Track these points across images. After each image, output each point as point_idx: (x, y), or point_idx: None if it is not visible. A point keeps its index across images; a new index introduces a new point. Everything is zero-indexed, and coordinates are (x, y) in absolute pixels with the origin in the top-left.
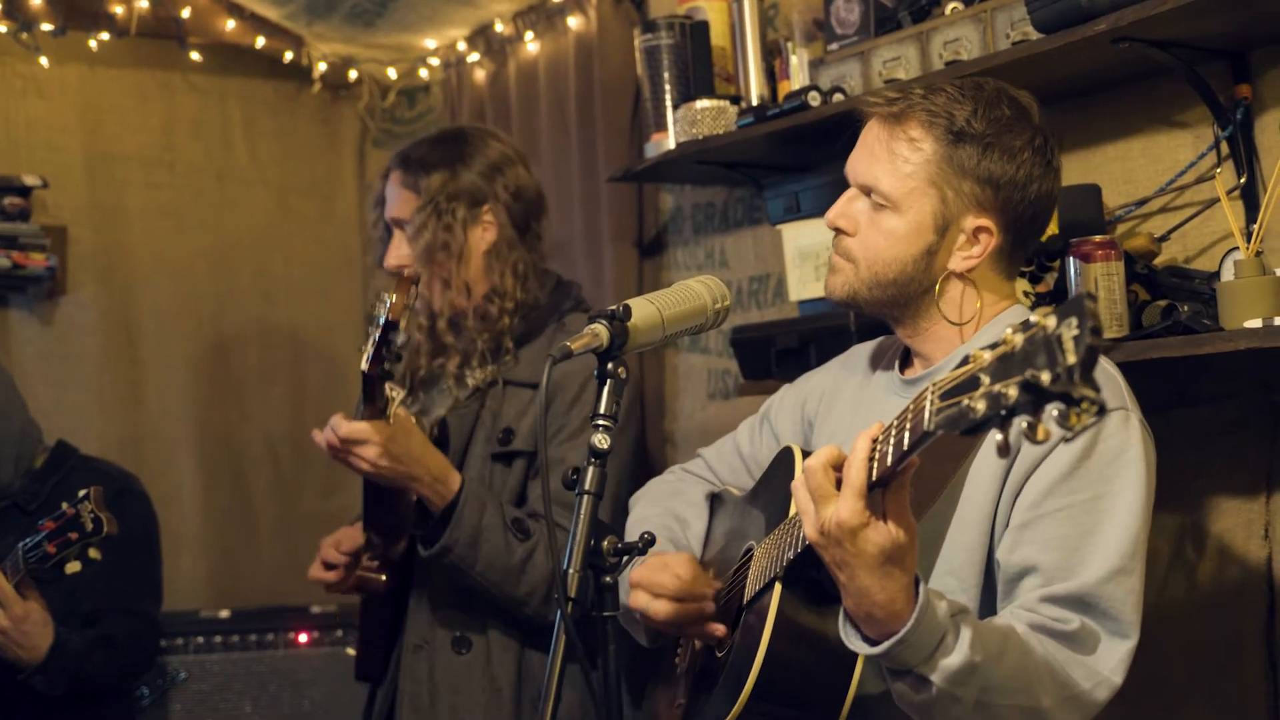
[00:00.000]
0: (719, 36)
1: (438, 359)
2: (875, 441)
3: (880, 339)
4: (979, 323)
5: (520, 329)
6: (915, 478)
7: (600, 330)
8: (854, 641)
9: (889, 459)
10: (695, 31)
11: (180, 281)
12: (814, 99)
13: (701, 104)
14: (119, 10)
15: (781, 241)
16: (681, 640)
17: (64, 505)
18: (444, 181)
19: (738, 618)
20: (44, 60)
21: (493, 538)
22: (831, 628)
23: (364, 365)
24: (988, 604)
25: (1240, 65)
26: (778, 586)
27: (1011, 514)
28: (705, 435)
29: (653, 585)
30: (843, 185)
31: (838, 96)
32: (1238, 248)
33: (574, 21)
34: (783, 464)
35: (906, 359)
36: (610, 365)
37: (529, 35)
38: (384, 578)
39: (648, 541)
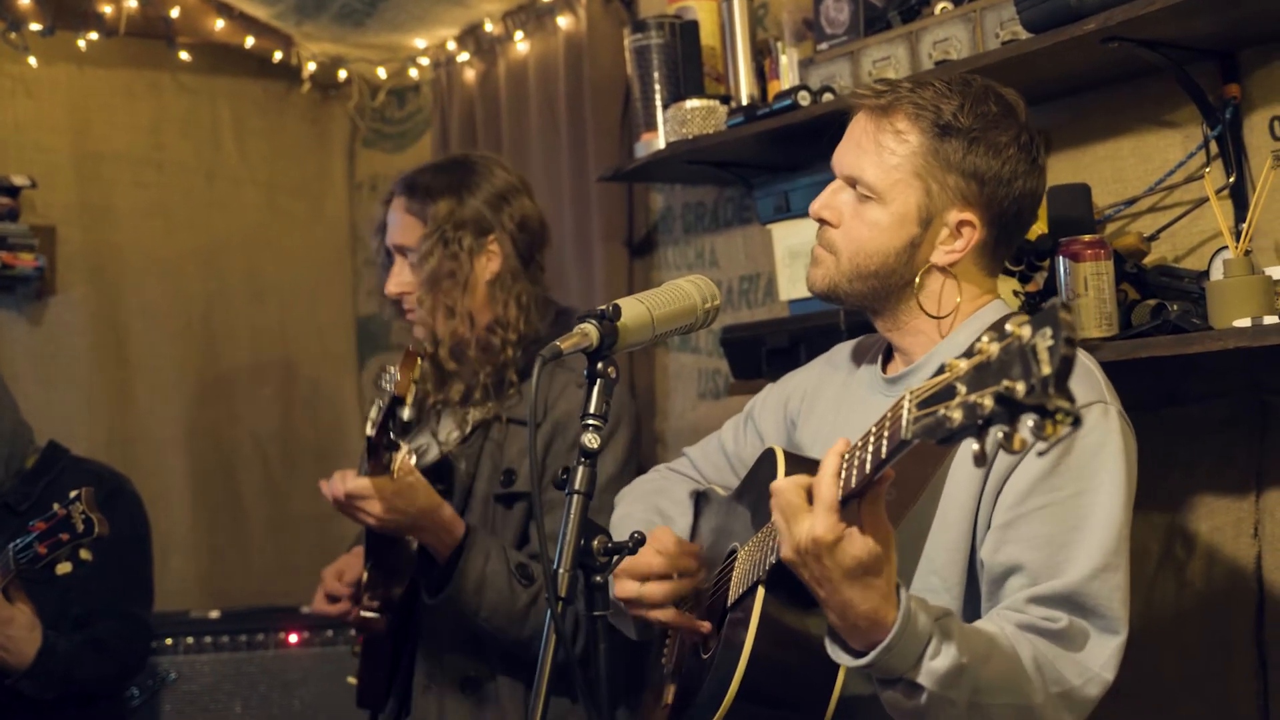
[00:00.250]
0: (709, 36)
1: (441, 389)
2: (843, 458)
3: (862, 337)
4: (958, 317)
5: (521, 362)
6: (898, 479)
7: (590, 330)
8: (840, 655)
9: (868, 466)
10: (685, 31)
11: (169, 281)
12: (804, 98)
13: (691, 103)
14: (108, 10)
15: (771, 241)
16: (667, 640)
17: (55, 506)
18: (450, 209)
19: (722, 619)
20: (32, 60)
21: (497, 584)
22: (815, 630)
23: (369, 431)
24: (971, 603)
25: (1229, 65)
26: (761, 590)
27: (993, 512)
28: (696, 435)
29: (636, 567)
30: None
31: (827, 96)
32: (1227, 247)
33: (564, 21)
34: (765, 465)
35: (889, 356)
36: (600, 365)
37: (519, 35)
38: (384, 619)
39: (638, 541)
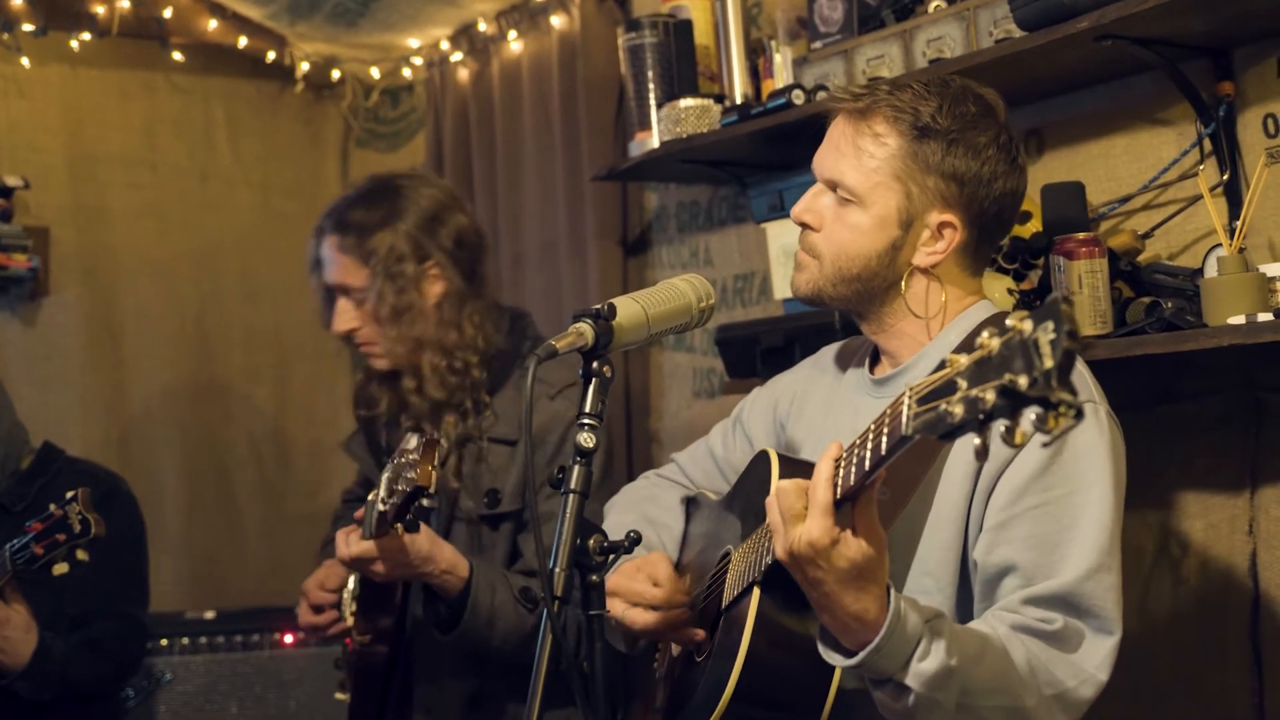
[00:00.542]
0: (703, 35)
1: (407, 418)
2: (837, 461)
3: (848, 339)
4: (944, 319)
5: (485, 383)
6: (890, 478)
7: (585, 329)
8: (832, 656)
9: (866, 463)
10: (679, 30)
11: (163, 282)
12: (798, 97)
13: (685, 102)
14: (100, 10)
15: (766, 240)
16: (660, 645)
17: (52, 507)
18: (388, 243)
19: (716, 622)
20: (25, 61)
21: (506, 614)
22: (810, 630)
23: (383, 508)
24: (964, 604)
25: (1222, 63)
26: (756, 591)
27: (986, 513)
28: (690, 434)
29: (629, 593)
30: None
31: (821, 95)
32: (1221, 244)
33: (557, 20)
34: (759, 467)
35: (875, 358)
36: (595, 364)
37: (512, 34)
38: (384, 650)
39: (634, 540)
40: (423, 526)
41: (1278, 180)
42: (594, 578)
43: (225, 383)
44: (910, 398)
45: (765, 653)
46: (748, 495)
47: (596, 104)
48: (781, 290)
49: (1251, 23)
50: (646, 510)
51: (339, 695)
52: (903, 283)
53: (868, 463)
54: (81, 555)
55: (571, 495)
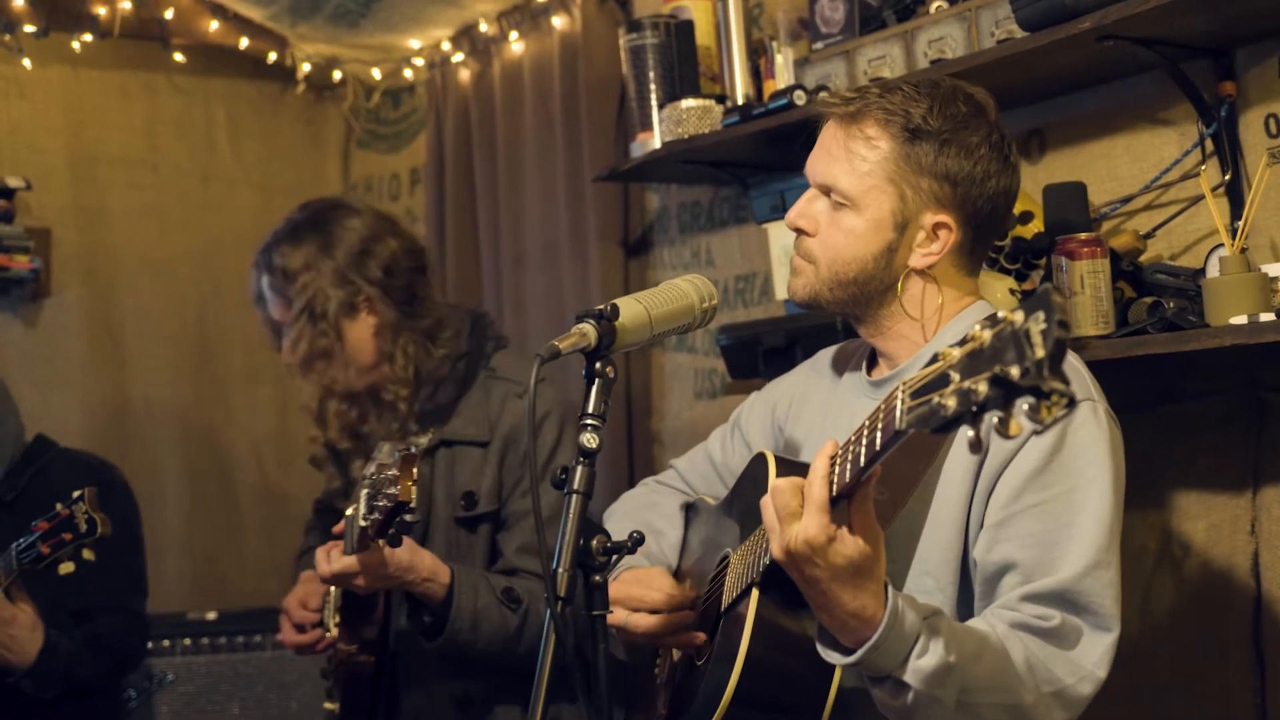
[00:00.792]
0: (704, 36)
1: (357, 441)
2: (833, 459)
3: (845, 342)
4: (941, 320)
5: (450, 389)
6: (888, 477)
7: (588, 330)
8: (831, 655)
9: (861, 459)
10: (680, 31)
11: (164, 283)
12: (799, 98)
13: (687, 103)
14: (102, 12)
15: (767, 240)
16: (660, 651)
17: (58, 506)
18: (312, 283)
19: (716, 625)
20: (27, 62)
21: (491, 616)
22: (809, 630)
23: (364, 524)
24: (964, 602)
25: (1224, 63)
26: (755, 592)
27: (986, 512)
28: (692, 434)
29: (629, 600)
30: None
31: (821, 96)
32: (1223, 244)
33: (559, 21)
34: (757, 468)
35: (873, 360)
36: (598, 365)
37: (514, 35)
38: (371, 659)
39: (636, 540)
40: (405, 538)
41: (1279, 180)
42: (597, 578)
43: (226, 383)
44: (904, 392)
45: (764, 654)
46: (745, 498)
47: (598, 105)
48: (783, 291)
49: (1253, 23)
50: (646, 517)
51: (328, 705)
52: (899, 285)
53: (863, 459)
54: (88, 554)
55: (574, 496)
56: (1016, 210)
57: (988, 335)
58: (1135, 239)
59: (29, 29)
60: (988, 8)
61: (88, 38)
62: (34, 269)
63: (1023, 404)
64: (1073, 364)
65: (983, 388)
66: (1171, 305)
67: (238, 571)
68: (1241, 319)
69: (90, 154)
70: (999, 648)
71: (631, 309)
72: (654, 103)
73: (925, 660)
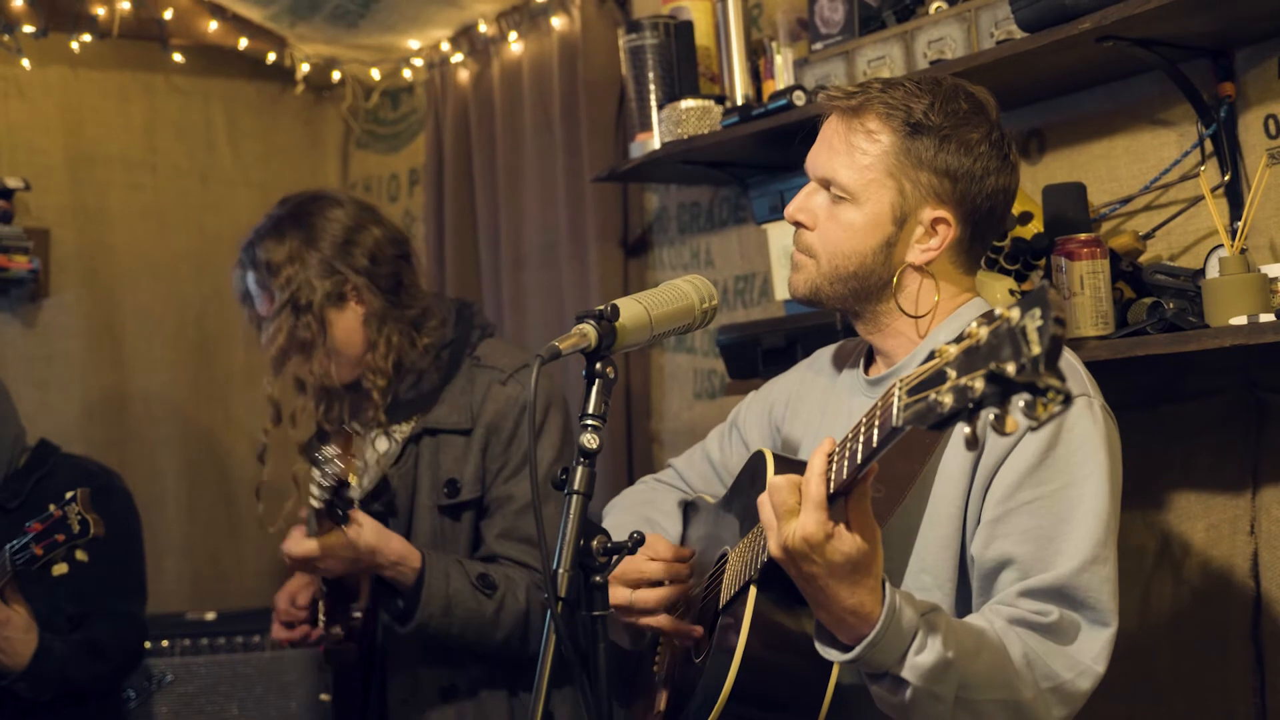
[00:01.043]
0: (703, 36)
1: (340, 430)
2: (830, 456)
3: (843, 341)
4: (937, 316)
5: (435, 377)
6: (885, 475)
7: (588, 330)
8: (829, 651)
9: (858, 457)
10: (680, 31)
11: (164, 283)
12: (799, 98)
13: (686, 104)
14: (101, 12)
15: (767, 241)
16: (659, 647)
17: (51, 507)
18: (296, 276)
19: (714, 622)
20: (26, 62)
21: (464, 602)
22: (807, 627)
23: (315, 504)
24: (963, 598)
25: (1223, 64)
26: (753, 589)
27: (983, 508)
28: (692, 435)
29: (629, 572)
30: None
31: (822, 93)
32: (1222, 245)
33: (558, 21)
34: (755, 467)
35: (870, 359)
36: (599, 365)
37: (513, 35)
38: (354, 647)
39: (637, 541)
40: (369, 520)
41: (1279, 181)
42: (597, 578)
43: (225, 383)
44: (900, 389)
45: (762, 651)
46: (744, 496)
47: (597, 105)
48: (782, 291)
49: (1252, 24)
50: (644, 514)
51: (323, 697)
52: (896, 280)
53: (860, 456)
54: (81, 556)
55: (575, 496)
56: (1016, 210)
57: (984, 332)
58: (1135, 239)
59: (28, 29)
60: (987, 8)
61: (87, 38)
62: (33, 269)
63: (1019, 400)
64: (1069, 360)
65: (979, 384)
66: (1171, 306)
67: (237, 572)
68: (1241, 319)
69: (89, 154)
70: (997, 644)
71: (632, 310)
72: (653, 103)
73: (923, 657)
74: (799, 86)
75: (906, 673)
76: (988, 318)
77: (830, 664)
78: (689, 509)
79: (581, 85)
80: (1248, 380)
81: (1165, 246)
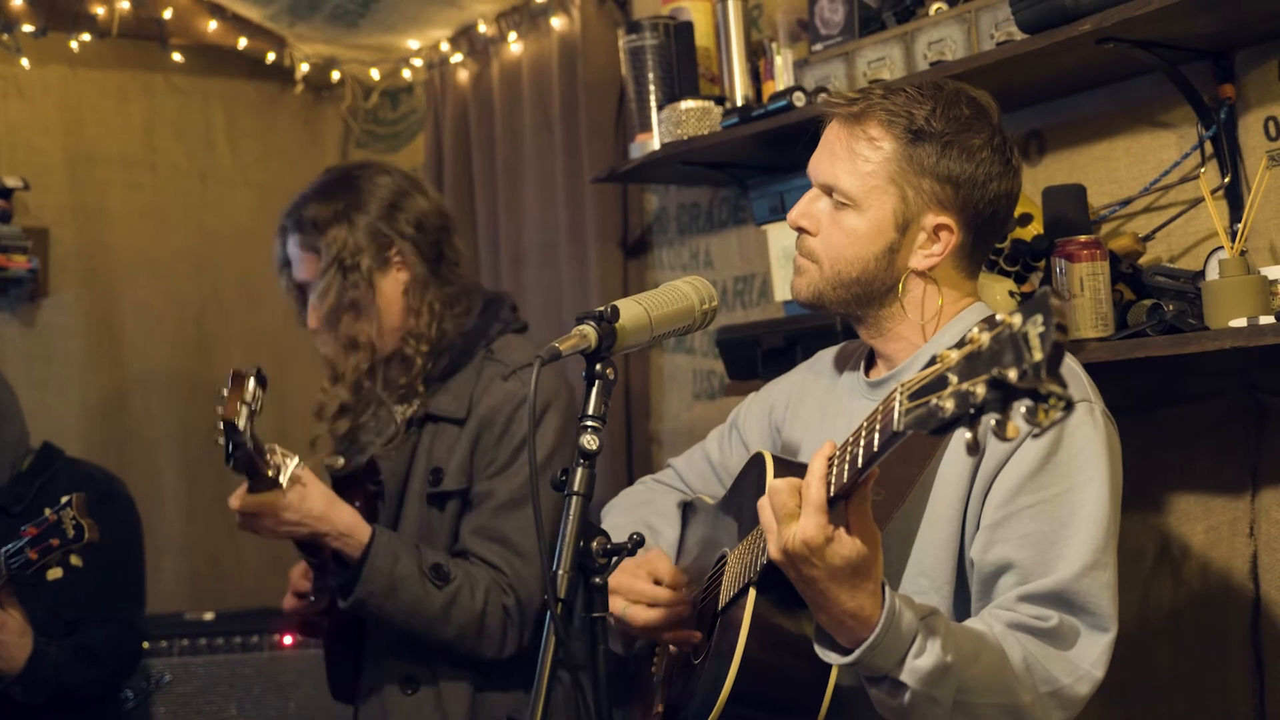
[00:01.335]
0: (703, 37)
1: (364, 412)
2: (831, 460)
3: (844, 343)
4: (940, 321)
5: (445, 361)
6: (885, 478)
7: (588, 331)
8: (828, 654)
9: (859, 461)
10: (679, 32)
11: (163, 282)
12: (799, 99)
13: (686, 104)
14: (100, 11)
15: (766, 242)
16: (658, 649)
17: (46, 511)
18: (343, 237)
19: (713, 624)
20: (25, 61)
21: (410, 587)
22: (806, 630)
23: (227, 462)
24: (961, 603)
25: (1224, 65)
26: (752, 591)
27: (982, 512)
28: (691, 436)
29: (630, 591)
30: None
31: (822, 97)
32: (1222, 247)
33: (557, 22)
34: (754, 468)
35: (871, 361)
36: (598, 366)
37: (512, 36)
38: (325, 621)
39: (636, 543)
40: (318, 485)
41: (1279, 183)
42: (596, 580)
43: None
44: (902, 394)
45: (761, 654)
46: (743, 498)
47: (597, 106)
48: (782, 292)
49: (1252, 25)
50: (643, 515)
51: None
52: (900, 286)
53: (860, 460)
54: (76, 561)
55: (574, 498)
56: (1016, 212)
57: (986, 338)
58: (1135, 241)
59: (27, 28)
60: (987, 10)
61: (86, 37)
62: (32, 269)
63: (1020, 406)
64: (1070, 366)
65: (981, 390)
66: (1171, 308)
67: (236, 572)
68: (1241, 322)
69: (88, 153)
70: (996, 648)
71: (632, 311)
72: (653, 104)
73: (922, 660)
74: (799, 87)
75: (905, 676)
76: (989, 323)
77: (829, 667)
78: (688, 510)
79: (581, 86)
80: (1247, 382)
81: (1165, 248)
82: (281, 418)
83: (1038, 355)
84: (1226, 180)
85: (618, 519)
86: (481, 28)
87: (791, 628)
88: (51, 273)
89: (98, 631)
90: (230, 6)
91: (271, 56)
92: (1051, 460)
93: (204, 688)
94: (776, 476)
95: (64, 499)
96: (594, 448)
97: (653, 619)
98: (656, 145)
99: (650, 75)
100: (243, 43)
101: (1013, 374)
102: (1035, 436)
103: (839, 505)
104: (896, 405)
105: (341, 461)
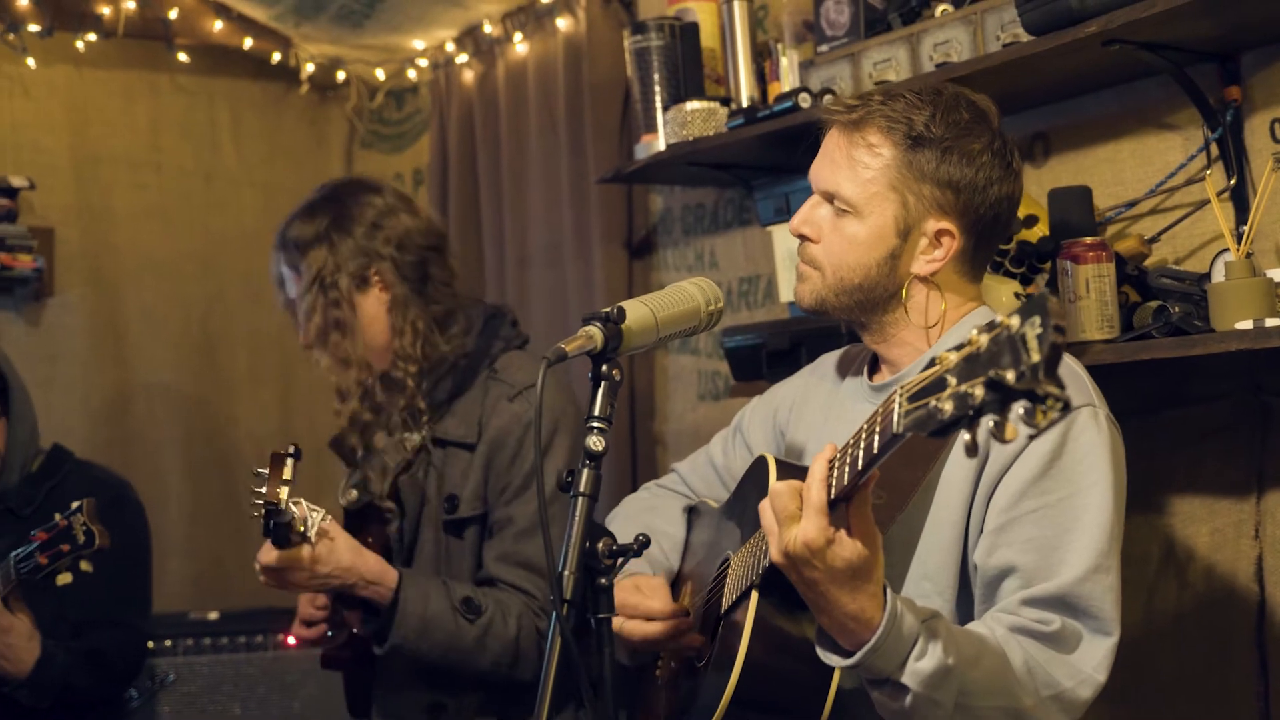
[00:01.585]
0: (709, 38)
1: (366, 434)
2: (831, 462)
3: (847, 347)
4: (944, 326)
5: (449, 385)
6: (888, 482)
7: (594, 332)
8: (830, 657)
9: (859, 463)
10: (685, 33)
11: (168, 283)
12: (804, 101)
13: (691, 105)
14: (106, 11)
15: (771, 243)
16: (662, 653)
17: (57, 516)
18: (323, 258)
19: (716, 627)
20: (31, 61)
21: (443, 625)
22: (808, 633)
23: (265, 534)
24: (964, 606)
25: (1230, 67)
26: (754, 594)
27: (986, 517)
28: (696, 437)
29: (625, 607)
30: None
31: (828, 98)
32: (1228, 249)
33: (563, 23)
34: (757, 471)
35: (875, 365)
36: (604, 368)
37: (518, 36)
38: (346, 655)
39: (642, 544)
40: (345, 538)
41: None
42: (602, 581)
43: (229, 384)
44: (901, 396)
45: (764, 656)
46: (746, 501)
47: (602, 106)
48: (787, 294)
49: (1259, 27)
50: (648, 520)
51: None
52: (903, 292)
53: (860, 462)
54: (85, 566)
55: (580, 499)
56: (1021, 214)
57: (984, 339)
58: (1140, 243)
59: (33, 28)
60: (993, 11)
61: (92, 37)
62: (37, 268)
63: (1018, 408)
64: (1072, 369)
65: (979, 391)
66: (1176, 310)
67: (240, 572)
68: (1246, 324)
69: (94, 153)
70: (998, 651)
71: (638, 312)
72: (658, 105)
73: (924, 663)
74: (804, 89)
75: (907, 679)
76: (989, 326)
77: (831, 669)
78: (692, 514)
79: (586, 86)
80: (1253, 385)
81: (1171, 250)
82: (286, 418)
83: (1035, 356)
84: (1232, 182)
85: (622, 527)
86: (487, 28)
87: (794, 631)
88: (57, 272)
89: (105, 636)
90: (236, 7)
91: (277, 57)
92: (1055, 465)
93: (208, 687)
94: (778, 480)
95: (74, 504)
96: (600, 449)
97: (650, 632)
98: (662, 146)
99: (655, 76)
100: (248, 43)
101: (1010, 375)
102: (1033, 437)
103: (840, 508)
104: (896, 407)
105: (355, 494)
